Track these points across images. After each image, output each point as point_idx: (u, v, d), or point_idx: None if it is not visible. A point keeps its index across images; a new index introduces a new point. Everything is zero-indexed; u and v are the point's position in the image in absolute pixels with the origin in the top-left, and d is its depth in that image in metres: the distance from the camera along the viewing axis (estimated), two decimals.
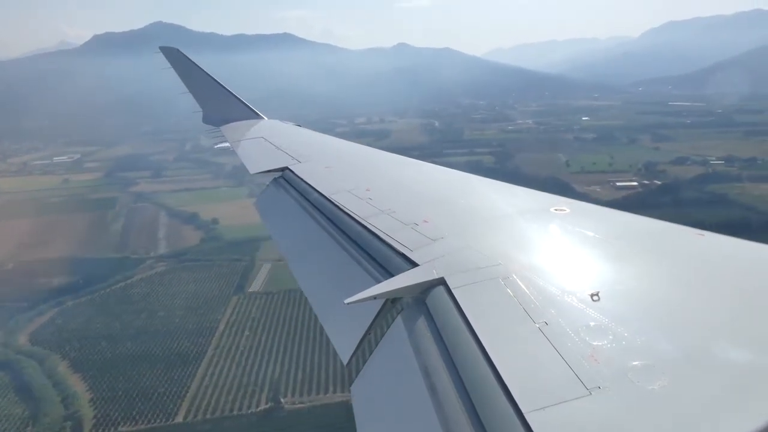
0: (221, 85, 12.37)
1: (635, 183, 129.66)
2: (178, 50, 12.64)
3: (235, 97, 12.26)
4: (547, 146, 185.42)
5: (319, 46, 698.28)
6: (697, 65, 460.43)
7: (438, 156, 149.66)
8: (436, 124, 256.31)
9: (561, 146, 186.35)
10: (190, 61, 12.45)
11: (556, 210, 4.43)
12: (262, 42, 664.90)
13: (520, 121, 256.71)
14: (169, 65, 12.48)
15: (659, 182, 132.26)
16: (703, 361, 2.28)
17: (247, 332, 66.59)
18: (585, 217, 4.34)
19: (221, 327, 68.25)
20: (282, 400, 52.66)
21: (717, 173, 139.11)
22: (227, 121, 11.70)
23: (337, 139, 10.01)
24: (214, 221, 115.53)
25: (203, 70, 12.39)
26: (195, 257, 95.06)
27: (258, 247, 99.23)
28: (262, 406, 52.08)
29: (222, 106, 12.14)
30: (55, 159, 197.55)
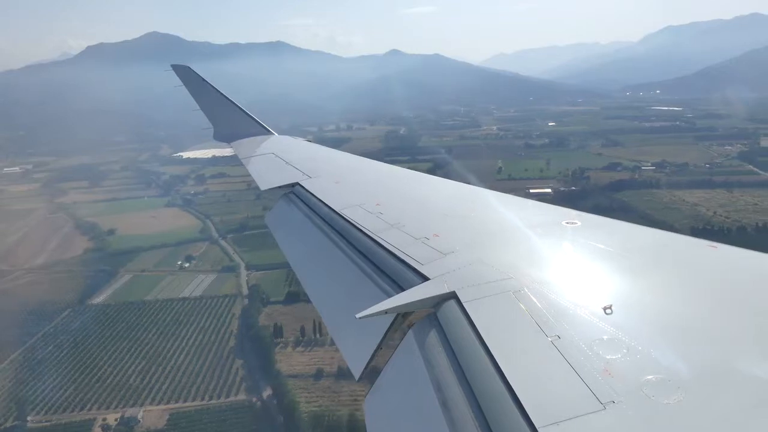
0: (232, 101, 12.51)
1: (549, 190, 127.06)
2: (189, 68, 12.71)
3: (246, 113, 12.39)
4: (492, 152, 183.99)
5: (312, 54, 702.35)
6: (692, 69, 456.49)
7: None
8: (402, 131, 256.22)
9: (507, 152, 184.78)
10: (201, 78, 12.51)
11: (567, 223, 4.40)
12: (255, 50, 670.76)
13: (486, 128, 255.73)
14: (181, 83, 12.63)
15: (574, 188, 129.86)
16: (719, 376, 2.23)
17: (51, 347, 65.80)
18: (596, 230, 4.29)
19: (32, 341, 67.63)
20: (29, 418, 51.63)
21: (638, 179, 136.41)
22: (238, 137, 11.78)
23: (347, 154, 10.09)
24: (111, 232, 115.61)
25: (214, 87, 12.50)
26: (66, 268, 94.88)
27: (133, 258, 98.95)
28: (8, 424, 51.04)
29: (232, 122, 12.25)
30: (6, 170, 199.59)
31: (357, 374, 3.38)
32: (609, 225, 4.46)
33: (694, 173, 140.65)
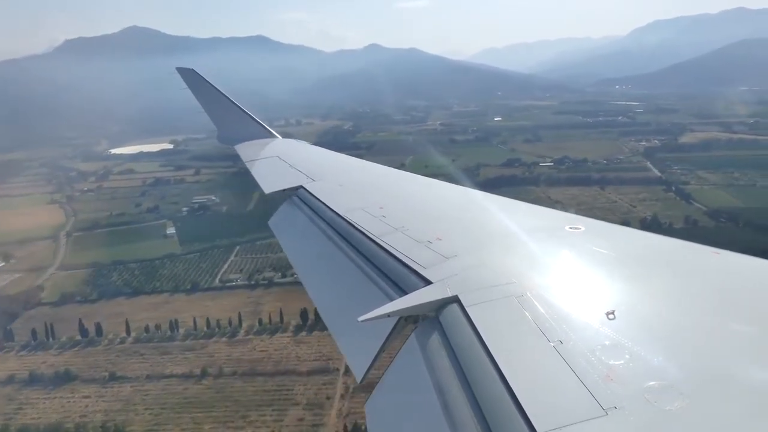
0: (236, 104, 12.43)
1: None
2: (194, 71, 12.59)
3: (250, 116, 12.37)
4: (413, 148, 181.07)
5: (293, 48, 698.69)
6: (676, 63, 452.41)
7: None
8: (346, 126, 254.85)
9: (426, 148, 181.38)
10: (206, 81, 12.48)
11: (571, 228, 4.38)
12: (235, 45, 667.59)
13: (430, 123, 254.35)
14: (186, 86, 12.62)
15: (454, 185, 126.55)
16: (722, 383, 2.23)
17: None
18: (600, 236, 4.32)
19: None
20: None
21: (525, 176, 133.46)
22: (242, 140, 11.78)
23: (351, 157, 10.13)
24: None
25: (219, 90, 12.46)
26: None
27: None
28: None
29: (237, 125, 12.23)
30: None
31: (359, 377, 3.41)
32: (612, 230, 4.48)
33: (586, 170, 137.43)
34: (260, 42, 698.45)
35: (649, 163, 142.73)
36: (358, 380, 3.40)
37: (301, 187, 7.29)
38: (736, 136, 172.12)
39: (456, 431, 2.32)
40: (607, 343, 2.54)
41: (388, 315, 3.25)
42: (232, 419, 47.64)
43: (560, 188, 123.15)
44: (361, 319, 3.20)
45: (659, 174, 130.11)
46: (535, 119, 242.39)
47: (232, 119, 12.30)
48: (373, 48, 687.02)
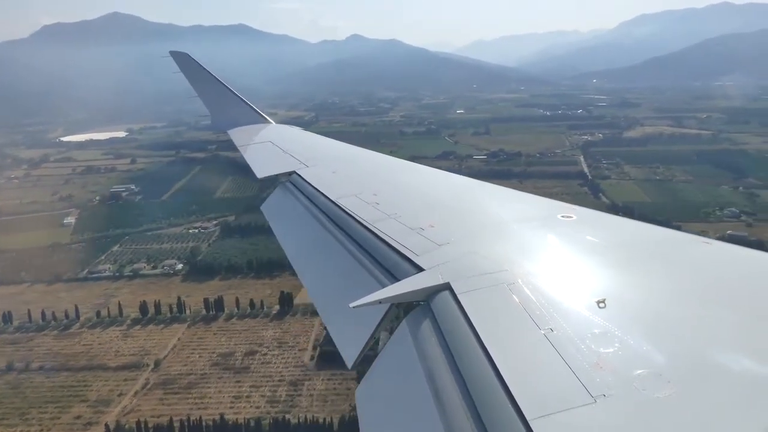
0: (230, 89, 12.30)
1: None
2: (187, 55, 12.35)
3: (244, 101, 12.25)
4: (360, 139, 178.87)
5: (276, 38, 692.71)
6: (652, 57, 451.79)
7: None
8: (308, 117, 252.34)
9: (373, 139, 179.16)
10: (200, 65, 12.24)
11: (562, 217, 4.41)
12: (217, 33, 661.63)
13: (391, 114, 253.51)
14: (179, 69, 12.38)
15: None
16: (710, 370, 2.25)
17: None
18: (591, 225, 4.36)
19: None
20: None
21: (447, 169, 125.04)
22: (235, 125, 11.63)
23: (344, 143, 9.93)
24: None
25: (212, 74, 12.25)
26: None
27: None
28: None
29: (230, 110, 12.12)
30: None
31: (350, 363, 3.37)
32: (604, 219, 4.49)
33: (516, 163, 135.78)
34: (242, 31, 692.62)
35: (582, 156, 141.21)
36: (349, 366, 3.33)
37: (294, 172, 7.24)
38: (680, 131, 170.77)
39: (446, 418, 2.31)
40: (597, 331, 2.53)
41: (380, 302, 3.21)
42: (8, 416, 45.66)
43: (480, 181, 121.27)
44: (352, 305, 3.14)
45: (585, 168, 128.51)
46: (497, 112, 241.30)
47: (225, 104, 12.19)
48: (355, 39, 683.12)
